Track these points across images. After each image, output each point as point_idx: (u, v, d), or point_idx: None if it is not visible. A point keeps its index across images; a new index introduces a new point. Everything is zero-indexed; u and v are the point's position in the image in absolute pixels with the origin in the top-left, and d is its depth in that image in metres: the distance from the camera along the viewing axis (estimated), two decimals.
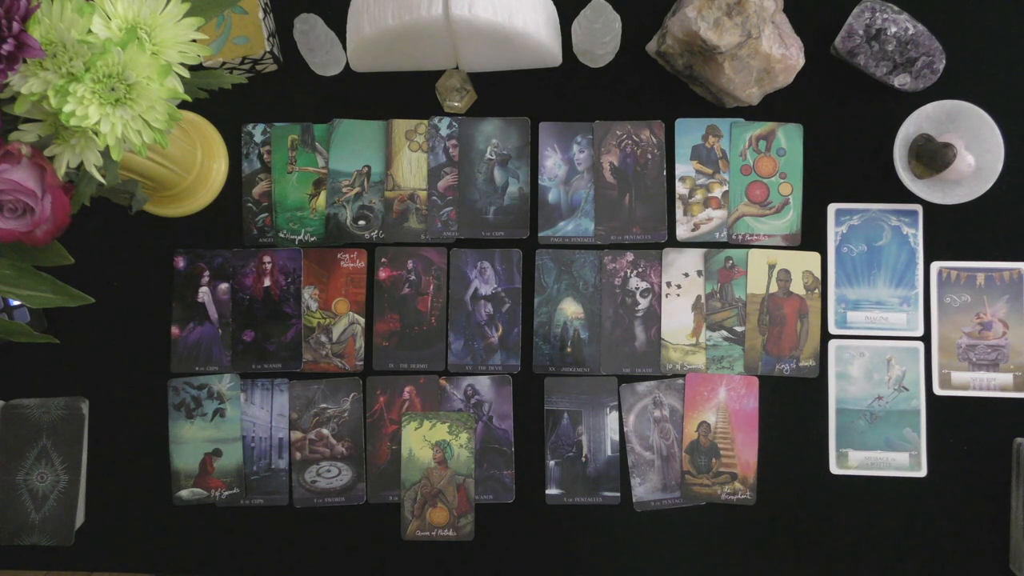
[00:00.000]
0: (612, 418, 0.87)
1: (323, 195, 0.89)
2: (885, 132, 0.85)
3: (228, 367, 0.88)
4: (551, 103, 0.90)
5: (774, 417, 0.86)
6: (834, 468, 0.86)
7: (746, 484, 0.85)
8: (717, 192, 0.88)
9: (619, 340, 0.87)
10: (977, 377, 0.85)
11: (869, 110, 0.88)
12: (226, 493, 0.87)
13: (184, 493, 0.87)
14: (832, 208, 0.88)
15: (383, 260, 0.89)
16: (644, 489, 0.86)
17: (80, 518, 0.87)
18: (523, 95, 0.90)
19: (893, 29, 0.83)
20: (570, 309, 0.88)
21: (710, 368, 0.87)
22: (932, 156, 0.81)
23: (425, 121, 0.90)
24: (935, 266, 0.86)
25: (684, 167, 0.89)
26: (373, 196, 0.89)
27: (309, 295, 0.89)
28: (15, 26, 0.55)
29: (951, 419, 0.85)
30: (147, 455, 0.88)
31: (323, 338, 0.88)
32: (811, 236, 0.88)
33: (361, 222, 0.89)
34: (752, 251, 0.87)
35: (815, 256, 0.87)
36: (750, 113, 0.88)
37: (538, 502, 0.87)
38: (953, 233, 0.87)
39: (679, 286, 0.87)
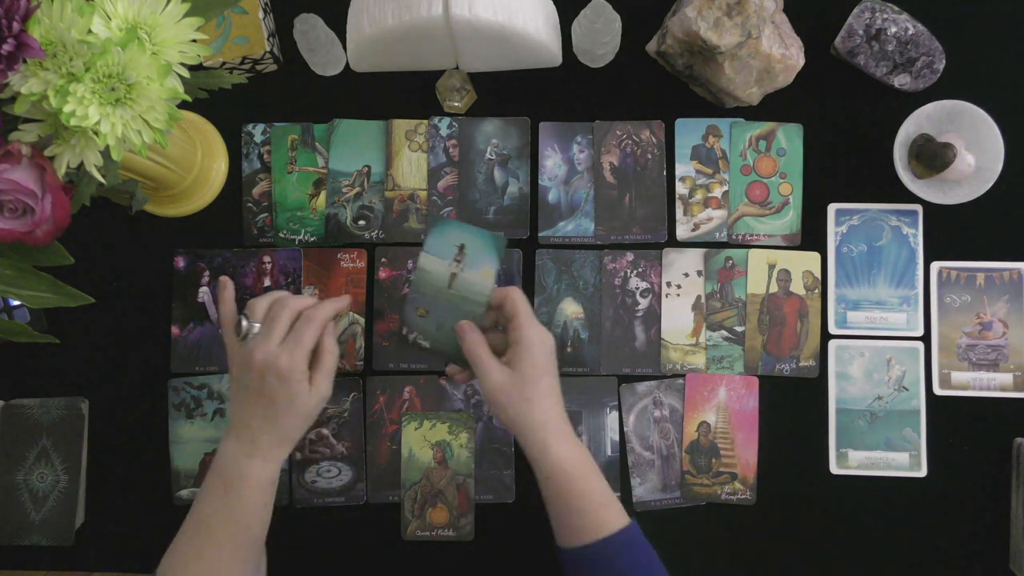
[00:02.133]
0: (612, 418, 0.87)
1: (323, 195, 0.89)
2: (885, 132, 0.85)
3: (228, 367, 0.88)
4: (551, 103, 0.90)
5: (774, 417, 0.86)
6: (834, 468, 0.86)
7: (746, 484, 0.85)
8: (717, 192, 0.88)
9: (619, 340, 0.87)
10: (977, 377, 0.85)
11: (869, 110, 0.88)
12: None
13: (184, 493, 0.87)
14: (832, 208, 0.88)
15: (383, 260, 0.89)
16: (644, 489, 0.86)
17: (80, 518, 0.87)
18: (523, 95, 0.90)
19: (893, 29, 0.83)
20: (570, 309, 0.88)
21: (710, 368, 0.87)
22: (932, 156, 0.81)
23: (425, 121, 0.90)
24: (935, 266, 0.87)
25: (684, 167, 0.89)
26: (373, 196, 0.89)
27: (309, 295, 0.88)
28: (15, 26, 0.55)
29: (951, 419, 0.85)
30: (147, 455, 0.88)
31: None
32: (811, 236, 0.88)
33: (361, 222, 0.89)
34: (752, 251, 0.87)
35: (815, 256, 0.87)
36: (750, 113, 0.88)
37: (538, 502, 0.86)
38: (953, 233, 0.87)
39: (679, 286, 0.87)
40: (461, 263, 0.75)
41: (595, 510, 0.70)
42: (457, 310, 0.76)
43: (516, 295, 0.74)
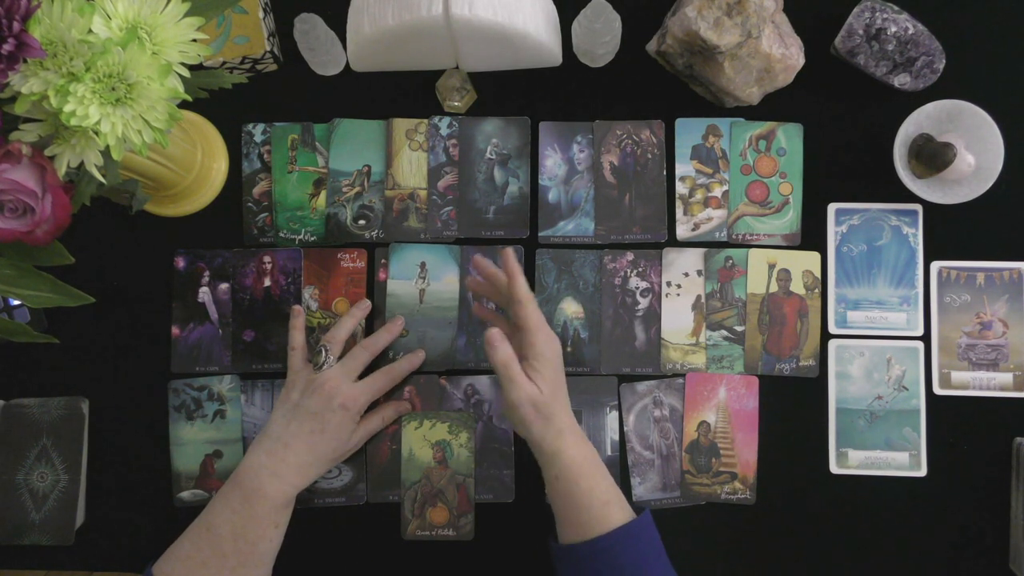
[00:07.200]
0: (612, 418, 0.87)
1: (323, 195, 0.89)
2: (885, 132, 0.85)
3: (228, 367, 0.88)
4: (551, 103, 0.90)
5: (774, 417, 0.86)
6: (834, 468, 0.86)
7: (746, 484, 0.85)
8: (717, 192, 0.88)
9: (619, 340, 0.87)
10: (977, 377, 0.85)
11: (869, 110, 0.88)
12: None
13: (185, 495, 0.87)
14: (832, 208, 0.88)
15: (383, 261, 0.89)
16: (644, 488, 0.86)
17: (80, 518, 0.87)
18: (523, 95, 0.90)
19: (893, 29, 0.83)
20: (570, 309, 0.88)
21: (710, 368, 0.87)
22: (932, 156, 0.81)
23: (425, 120, 0.90)
24: (935, 266, 0.87)
25: (684, 167, 0.89)
26: (373, 196, 0.89)
27: (309, 295, 0.89)
28: (15, 26, 0.55)
29: (951, 419, 0.85)
30: (147, 455, 0.88)
31: None
32: (811, 236, 0.88)
33: (361, 221, 0.89)
34: (752, 251, 0.87)
35: (815, 256, 0.87)
36: (750, 113, 0.89)
37: (538, 502, 0.87)
38: (953, 233, 0.87)
39: (679, 286, 0.87)
40: (426, 279, 0.84)
41: (600, 507, 0.72)
42: (433, 321, 0.84)
43: (530, 307, 0.75)
